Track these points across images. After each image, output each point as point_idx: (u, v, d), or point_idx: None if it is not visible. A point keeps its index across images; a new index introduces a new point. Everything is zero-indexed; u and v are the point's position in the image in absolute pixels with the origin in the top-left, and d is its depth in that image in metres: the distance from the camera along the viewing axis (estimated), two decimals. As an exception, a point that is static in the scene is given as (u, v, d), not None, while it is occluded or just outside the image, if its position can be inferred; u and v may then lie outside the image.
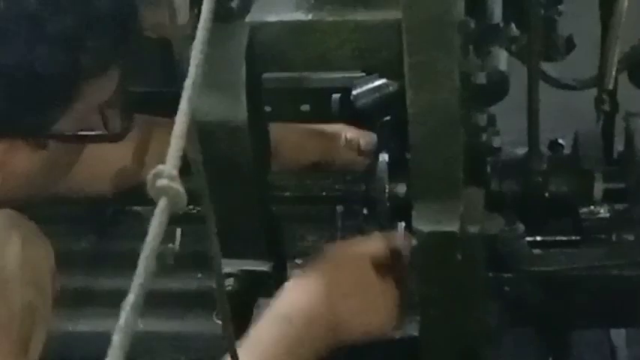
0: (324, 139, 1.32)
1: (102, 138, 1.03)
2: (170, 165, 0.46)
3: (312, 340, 0.97)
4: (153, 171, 0.46)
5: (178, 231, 1.39)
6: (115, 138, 1.03)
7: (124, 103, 1.03)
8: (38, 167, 1.01)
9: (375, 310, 1.02)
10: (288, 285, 1.02)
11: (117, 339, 0.42)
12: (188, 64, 0.52)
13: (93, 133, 1.01)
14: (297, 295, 1.00)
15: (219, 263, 0.58)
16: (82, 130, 1.01)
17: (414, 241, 0.98)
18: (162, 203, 0.45)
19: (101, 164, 1.22)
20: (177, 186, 0.46)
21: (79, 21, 0.93)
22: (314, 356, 0.99)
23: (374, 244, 1.04)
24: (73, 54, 0.94)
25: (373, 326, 1.03)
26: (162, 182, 0.46)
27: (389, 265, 1.03)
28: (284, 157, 1.25)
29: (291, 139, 1.29)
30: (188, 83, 0.50)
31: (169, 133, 0.49)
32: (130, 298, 0.44)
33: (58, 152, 1.02)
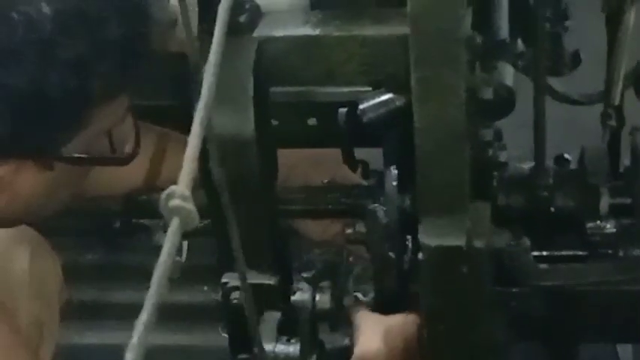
0: (333, 164, 1.32)
1: (110, 161, 1.03)
2: (182, 185, 0.47)
3: None
4: (166, 191, 0.46)
5: (185, 244, 1.40)
6: (122, 161, 1.04)
7: (134, 127, 1.03)
8: (43, 188, 1.01)
9: None
10: None
11: (130, 357, 0.43)
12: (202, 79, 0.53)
13: (101, 156, 1.02)
14: None
15: (243, 271, 0.59)
16: (90, 152, 1.02)
17: (421, 256, 0.98)
18: (174, 223, 0.46)
19: (114, 180, 1.23)
20: (190, 206, 0.46)
21: (91, 47, 0.93)
22: None
23: (411, 323, 1.04)
24: (84, 80, 0.94)
25: None
26: (174, 202, 0.46)
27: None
28: (294, 181, 1.26)
29: (301, 167, 1.30)
30: (200, 106, 0.50)
31: (184, 147, 0.50)
32: (143, 316, 0.44)
33: (65, 173, 1.02)
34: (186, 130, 0.53)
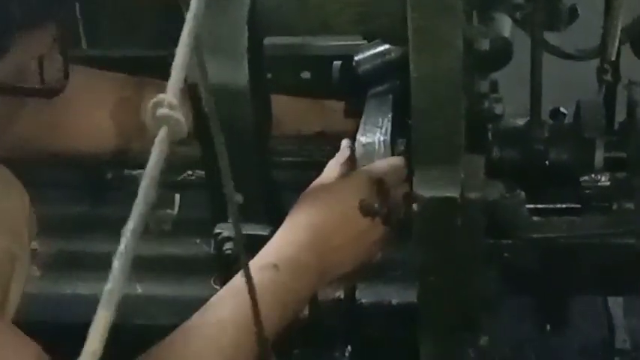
0: (326, 110, 1.32)
1: (37, 91, 1.01)
2: (170, 94, 0.45)
3: (299, 288, 0.97)
4: (152, 100, 0.45)
5: (177, 197, 1.40)
6: (50, 93, 1.02)
7: (63, 59, 1.01)
8: None
9: (364, 251, 1.01)
10: (276, 234, 1.00)
11: (117, 264, 0.42)
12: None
13: (24, 86, 1.00)
14: (284, 244, 0.99)
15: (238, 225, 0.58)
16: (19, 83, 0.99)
17: (415, 206, 0.98)
18: (162, 133, 0.45)
19: (88, 125, 1.21)
20: (178, 115, 0.45)
21: None
22: (301, 303, 0.99)
23: (358, 182, 1.01)
24: (2, 2, 0.92)
25: (361, 264, 1.02)
26: (162, 111, 0.45)
27: (377, 198, 1.00)
28: (286, 127, 1.25)
29: (293, 110, 1.29)
30: (190, 16, 0.49)
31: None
32: (130, 224, 0.43)
33: None
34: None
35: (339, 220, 0.99)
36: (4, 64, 0.96)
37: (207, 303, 0.94)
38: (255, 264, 0.95)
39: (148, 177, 0.44)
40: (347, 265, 1.01)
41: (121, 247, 0.42)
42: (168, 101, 0.45)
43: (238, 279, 0.95)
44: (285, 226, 1.01)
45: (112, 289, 0.42)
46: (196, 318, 0.93)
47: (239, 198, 0.93)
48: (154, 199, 0.44)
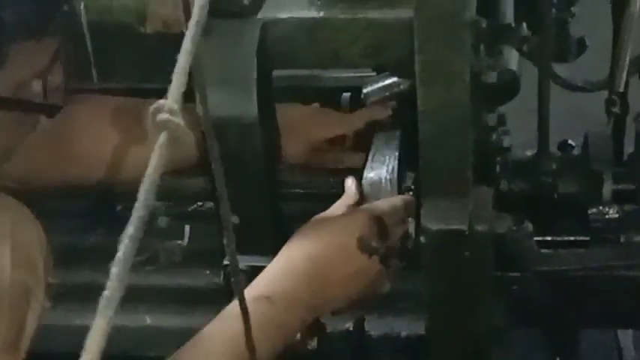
0: (336, 120, 1.31)
1: (37, 106, 1.00)
2: (171, 99, 0.45)
3: (291, 322, 0.96)
4: (153, 105, 0.45)
5: (187, 228, 1.40)
6: (51, 109, 1.02)
7: (65, 74, 1.01)
8: None
9: (359, 288, 1.01)
10: (272, 263, 1.00)
11: (115, 271, 0.42)
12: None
13: (23, 100, 1.00)
14: (280, 275, 0.98)
15: (233, 249, 0.58)
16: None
17: (422, 239, 0.98)
18: (162, 138, 0.45)
19: (102, 153, 1.22)
20: (178, 120, 0.45)
21: None
22: (291, 336, 0.98)
23: (358, 220, 1.01)
24: None
25: (355, 304, 1.02)
26: (162, 116, 0.45)
27: (376, 236, 1.01)
28: (297, 135, 1.24)
29: (305, 122, 1.28)
30: (192, 23, 0.49)
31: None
32: (129, 230, 0.44)
33: None
34: None
35: (336, 256, 0.99)
36: (3, 78, 0.96)
37: (197, 334, 0.94)
38: (249, 294, 0.93)
39: (148, 181, 0.44)
40: (341, 301, 1.01)
41: (119, 253, 0.42)
42: (168, 106, 0.45)
43: (229, 310, 0.94)
44: (281, 256, 1.00)
45: (110, 296, 0.42)
46: (185, 350, 0.93)
47: (235, 219, 0.93)
48: (153, 204, 0.44)
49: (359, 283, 1.00)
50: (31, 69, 0.98)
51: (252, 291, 0.96)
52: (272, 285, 0.97)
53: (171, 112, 0.45)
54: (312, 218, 1.04)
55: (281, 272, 0.99)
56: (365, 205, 1.05)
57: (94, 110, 1.23)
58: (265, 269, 0.99)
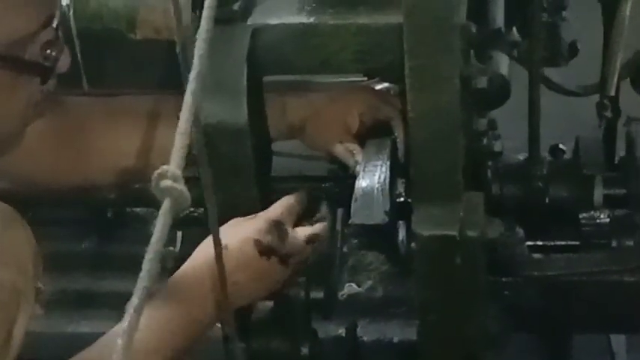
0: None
1: (30, 66, 0.99)
2: (174, 165, 0.46)
3: (194, 321, 1.01)
4: (157, 171, 0.46)
5: (179, 234, 1.40)
6: (45, 72, 1.00)
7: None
8: None
9: (264, 288, 1.04)
10: (179, 271, 1.04)
11: (121, 342, 0.42)
12: (189, 65, 0.52)
13: (20, 57, 0.98)
14: (189, 278, 1.02)
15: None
16: None
17: (414, 245, 0.98)
18: (166, 204, 0.45)
19: (110, 154, 1.22)
20: (181, 187, 0.46)
21: None
22: (201, 328, 1.02)
23: (256, 225, 1.04)
24: None
25: (256, 298, 1.06)
26: (166, 183, 0.46)
27: (275, 239, 1.03)
28: (335, 113, 1.22)
29: (340, 97, 1.25)
30: (192, 75, 0.49)
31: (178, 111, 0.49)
32: (134, 300, 0.44)
33: None
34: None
35: (239, 259, 1.02)
36: None
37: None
38: (165, 304, 0.99)
39: (152, 250, 0.45)
40: (247, 299, 1.05)
41: (124, 324, 0.42)
42: (171, 172, 0.45)
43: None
44: (187, 262, 1.04)
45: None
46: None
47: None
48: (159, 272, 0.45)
49: (264, 283, 1.04)
50: (26, 27, 0.97)
51: (158, 294, 1.00)
52: (182, 292, 1.01)
53: (174, 178, 0.46)
54: (226, 224, 1.06)
55: (190, 274, 1.02)
56: (262, 213, 1.07)
57: (106, 111, 1.23)
58: (179, 270, 1.03)
